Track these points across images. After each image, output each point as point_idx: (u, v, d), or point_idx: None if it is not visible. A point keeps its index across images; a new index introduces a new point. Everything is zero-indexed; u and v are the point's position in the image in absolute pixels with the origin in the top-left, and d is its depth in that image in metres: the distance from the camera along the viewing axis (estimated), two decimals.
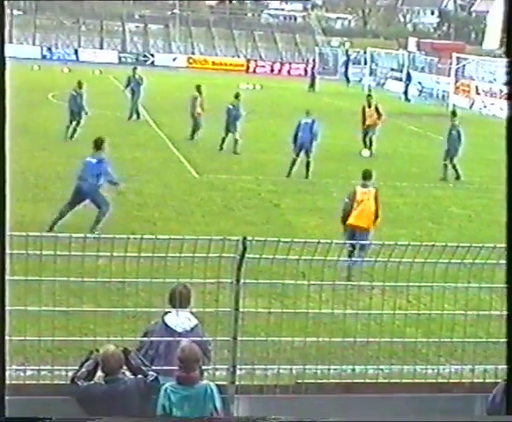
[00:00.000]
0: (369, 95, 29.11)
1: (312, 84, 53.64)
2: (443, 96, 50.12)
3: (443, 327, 7.92)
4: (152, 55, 72.21)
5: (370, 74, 59.10)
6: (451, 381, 7.96)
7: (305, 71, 55.94)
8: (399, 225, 17.22)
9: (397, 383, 7.77)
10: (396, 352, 8.23)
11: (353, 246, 10.61)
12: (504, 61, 52.90)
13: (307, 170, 22.13)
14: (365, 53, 60.59)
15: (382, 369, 8.02)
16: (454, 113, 25.60)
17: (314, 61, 61.98)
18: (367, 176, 14.20)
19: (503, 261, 7.65)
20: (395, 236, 13.25)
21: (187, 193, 19.62)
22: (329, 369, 7.70)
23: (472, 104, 47.18)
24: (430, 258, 7.49)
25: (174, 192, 19.57)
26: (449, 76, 49.89)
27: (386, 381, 7.85)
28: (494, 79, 49.22)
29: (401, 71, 56.73)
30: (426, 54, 62.13)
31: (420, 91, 53.44)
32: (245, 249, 7.04)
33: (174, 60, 71.76)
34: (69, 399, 6.88)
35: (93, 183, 15.67)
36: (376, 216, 13.91)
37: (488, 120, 41.53)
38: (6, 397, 4.39)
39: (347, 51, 68.81)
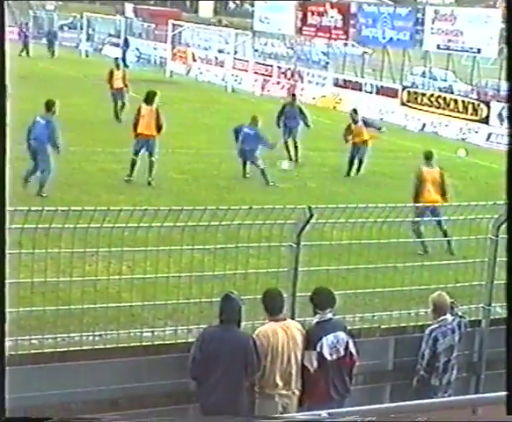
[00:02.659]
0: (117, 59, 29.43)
1: (25, 49, 51.76)
2: (161, 62, 50.58)
3: (159, 290, 8.04)
4: None
5: (88, 39, 58.30)
6: (167, 342, 8.10)
7: (19, 35, 53.90)
8: (118, 191, 17.24)
9: (114, 348, 7.78)
10: (115, 317, 8.23)
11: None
12: (217, 28, 54.22)
13: None
14: (82, 18, 59.58)
15: (99, 335, 7.98)
16: None
17: (27, 24, 59.97)
18: (429, 156, 15.45)
19: (216, 222, 7.90)
20: (114, 203, 13.26)
21: None
22: (45, 339, 7.56)
23: (189, 70, 48.01)
24: (145, 223, 7.55)
25: None
26: (166, 42, 50.40)
27: (103, 347, 7.82)
28: (210, 46, 50.39)
29: (119, 37, 56.48)
30: (143, 21, 62.30)
31: (139, 57, 53.57)
32: None
33: None
34: None
35: (39, 143, 16.45)
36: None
37: (204, 85, 42.46)
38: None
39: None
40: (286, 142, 22.81)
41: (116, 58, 29.95)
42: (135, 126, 18.73)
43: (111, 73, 27.90)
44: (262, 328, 7.76)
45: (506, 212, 4.49)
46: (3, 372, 2.62)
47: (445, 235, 12.29)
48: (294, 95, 25.86)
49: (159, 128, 18.56)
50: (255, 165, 19.54)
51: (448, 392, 8.61)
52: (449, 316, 8.70)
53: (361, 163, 21.16)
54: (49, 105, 16.80)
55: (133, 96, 27.45)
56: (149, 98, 18.90)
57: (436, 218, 12.51)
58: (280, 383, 7.75)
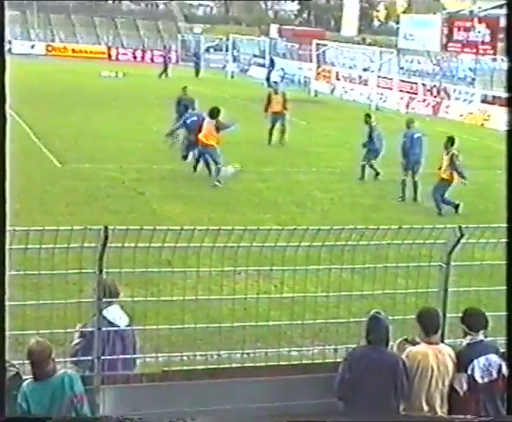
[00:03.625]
0: (275, 82, 29.51)
1: (165, 72, 53.14)
2: (305, 81, 50.89)
3: (306, 309, 8.06)
4: (10, 42, 70.23)
5: (234, 61, 59.35)
6: (315, 361, 8.10)
7: (163, 58, 55.51)
8: (263, 210, 17.42)
9: (262, 367, 7.85)
10: (262, 335, 8.32)
11: None
12: (361, 47, 54.12)
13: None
14: (227, 40, 60.73)
15: (248, 353, 8.07)
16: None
17: (165, 47, 61.68)
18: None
19: (365, 242, 7.87)
20: (260, 221, 13.42)
21: (50, 184, 19.22)
22: (195, 356, 7.71)
23: (333, 89, 48.10)
24: (293, 242, 7.60)
25: (36, 183, 19.13)
26: (310, 61, 50.70)
27: (252, 364, 7.91)
28: (354, 65, 50.35)
29: (264, 57, 57.24)
30: (287, 41, 62.91)
31: (283, 77, 54.09)
32: (106, 238, 6.95)
33: (32, 47, 70.01)
34: None
35: None
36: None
37: (348, 104, 42.43)
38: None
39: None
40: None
41: (275, 82, 29.88)
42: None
43: (269, 97, 27.76)
44: (413, 348, 7.65)
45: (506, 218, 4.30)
46: (3, 372, 2.66)
47: None
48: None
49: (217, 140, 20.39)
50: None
51: None
52: None
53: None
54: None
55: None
56: (213, 114, 20.58)
57: None
58: (426, 407, 7.61)
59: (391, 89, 43.47)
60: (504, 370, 7.75)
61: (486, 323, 7.84)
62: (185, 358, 7.69)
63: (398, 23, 52.13)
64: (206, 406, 7.43)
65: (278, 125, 26.95)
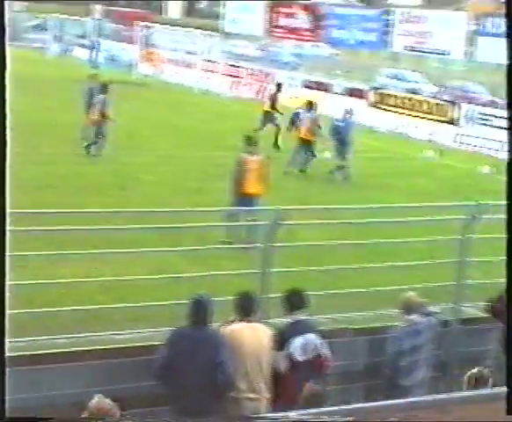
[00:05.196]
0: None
1: None
2: (131, 63, 50.39)
3: (131, 292, 8.02)
4: None
5: (57, 41, 57.96)
6: (140, 344, 8.07)
7: None
8: (88, 193, 17.14)
9: (86, 351, 7.74)
10: (86, 319, 8.20)
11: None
12: (186, 30, 54.08)
13: None
14: (51, 19, 59.24)
15: (71, 338, 7.94)
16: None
17: None
18: (252, 143, 14.65)
19: (190, 224, 7.89)
20: (83, 204, 13.18)
21: None
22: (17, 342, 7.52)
23: (159, 72, 47.89)
24: (117, 224, 7.53)
25: None
26: (135, 44, 50.24)
27: (76, 349, 7.78)
28: (179, 48, 50.32)
29: (88, 38, 56.20)
30: (112, 22, 62.04)
31: (108, 58, 53.35)
32: None
33: None
34: None
35: None
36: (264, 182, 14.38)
37: (173, 87, 42.39)
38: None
39: None
40: None
41: (280, 84, 28.10)
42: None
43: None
44: (229, 327, 7.75)
45: (506, 212, 4.53)
46: (2, 372, 2.61)
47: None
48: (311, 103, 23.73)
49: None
50: None
51: (417, 392, 8.63)
52: (417, 317, 8.73)
53: None
54: None
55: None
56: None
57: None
58: (244, 387, 7.71)
59: (215, 72, 43.77)
60: (323, 348, 7.99)
61: (306, 303, 8.05)
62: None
63: (223, 7, 52.49)
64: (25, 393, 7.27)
65: (270, 125, 25.81)
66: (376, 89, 36.37)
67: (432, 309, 8.95)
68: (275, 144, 24.71)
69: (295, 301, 8.00)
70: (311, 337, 7.95)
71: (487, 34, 31.92)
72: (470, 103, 32.90)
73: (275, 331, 8.00)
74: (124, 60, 52.29)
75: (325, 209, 8.61)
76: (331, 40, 40.52)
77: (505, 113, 31.71)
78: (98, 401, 6.11)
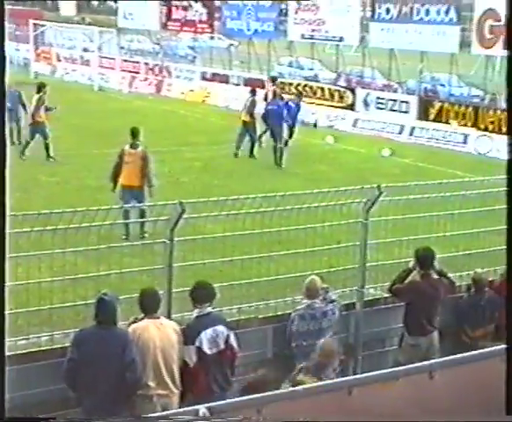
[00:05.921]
0: None
1: None
2: (25, 63, 49.41)
3: (32, 296, 7.87)
4: None
5: None
6: (45, 348, 7.95)
7: None
8: None
9: None
10: None
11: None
12: (81, 27, 53.31)
13: None
14: None
15: None
16: None
17: None
18: (136, 136, 14.84)
19: (99, 223, 7.79)
20: None
21: None
22: None
23: (55, 70, 47.10)
24: (18, 228, 7.37)
25: None
26: (28, 43, 49.28)
27: None
28: (74, 46, 49.58)
29: None
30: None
31: None
32: None
33: None
34: None
35: None
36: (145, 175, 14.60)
37: (70, 86, 41.75)
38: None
39: None
40: None
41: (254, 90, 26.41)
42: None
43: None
44: (134, 325, 7.71)
45: (506, 214, 4.63)
46: (2, 372, 2.54)
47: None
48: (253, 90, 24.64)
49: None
50: None
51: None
52: (317, 301, 8.82)
53: None
54: None
55: None
56: None
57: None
58: (152, 384, 7.67)
59: (113, 69, 43.29)
60: (232, 340, 8.00)
61: (213, 296, 8.05)
62: None
63: (116, 2, 51.94)
64: None
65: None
66: (275, 78, 36.57)
67: (332, 294, 9.06)
68: (251, 154, 23.72)
69: (202, 294, 7.99)
70: (220, 329, 7.96)
71: (379, 20, 32.42)
72: (365, 88, 33.42)
73: (184, 325, 7.99)
74: (19, 60, 51.25)
75: (227, 201, 8.60)
76: (227, 31, 40.52)
77: (401, 97, 32.38)
78: None
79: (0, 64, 2.27)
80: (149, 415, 5.81)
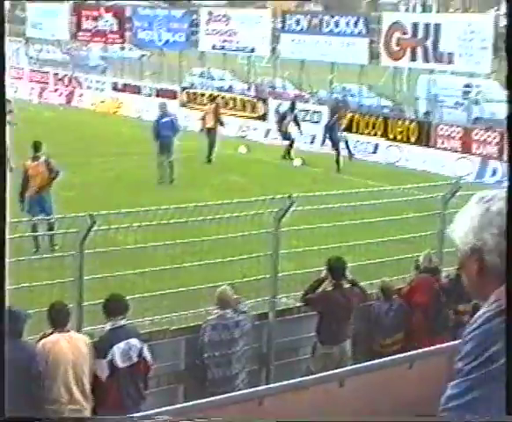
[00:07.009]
0: None
1: None
2: None
3: None
4: None
5: None
6: None
7: None
8: None
9: None
10: None
11: None
12: None
13: None
14: None
15: None
16: None
17: None
18: (37, 149, 15.05)
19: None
20: None
21: None
22: None
23: None
24: None
25: None
26: None
27: None
28: None
29: None
30: None
31: None
32: None
33: None
34: None
35: None
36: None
37: None
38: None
39: None
40: None
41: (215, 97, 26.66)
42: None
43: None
44: (44, 339, 7.60)
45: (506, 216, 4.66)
46: (2, 372, 2.44)
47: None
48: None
49: None
50: None
51: (235, 385, 8.74)
52: (229, 311, 8.83)
53: None
54: None
55: None
56: None
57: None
58: (63, 399, 7.57)
59: (21, 79, 42.60)
60: (145, 353, 7.96)
61: (126, 308, 7.99)
62: None
63: (24, 11, 51.14)
64: None
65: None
66: (186, 88, 36.56)
67: (243, 306, 9.08)
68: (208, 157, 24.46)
69: (115, 306, 7.93)
70: (133, 342, 7.90)
71: (290, 31, 32.73)
72: (277, 98, 33.65)
73: (96, 338, 7.90)
74: None
75: (138, 212, 8.56)
76: (138, 42, 40.33)
77: (312, 107, 32.68)
78: None
79: (0, 64, 2.25)
80: (149, 413, 5.68)
